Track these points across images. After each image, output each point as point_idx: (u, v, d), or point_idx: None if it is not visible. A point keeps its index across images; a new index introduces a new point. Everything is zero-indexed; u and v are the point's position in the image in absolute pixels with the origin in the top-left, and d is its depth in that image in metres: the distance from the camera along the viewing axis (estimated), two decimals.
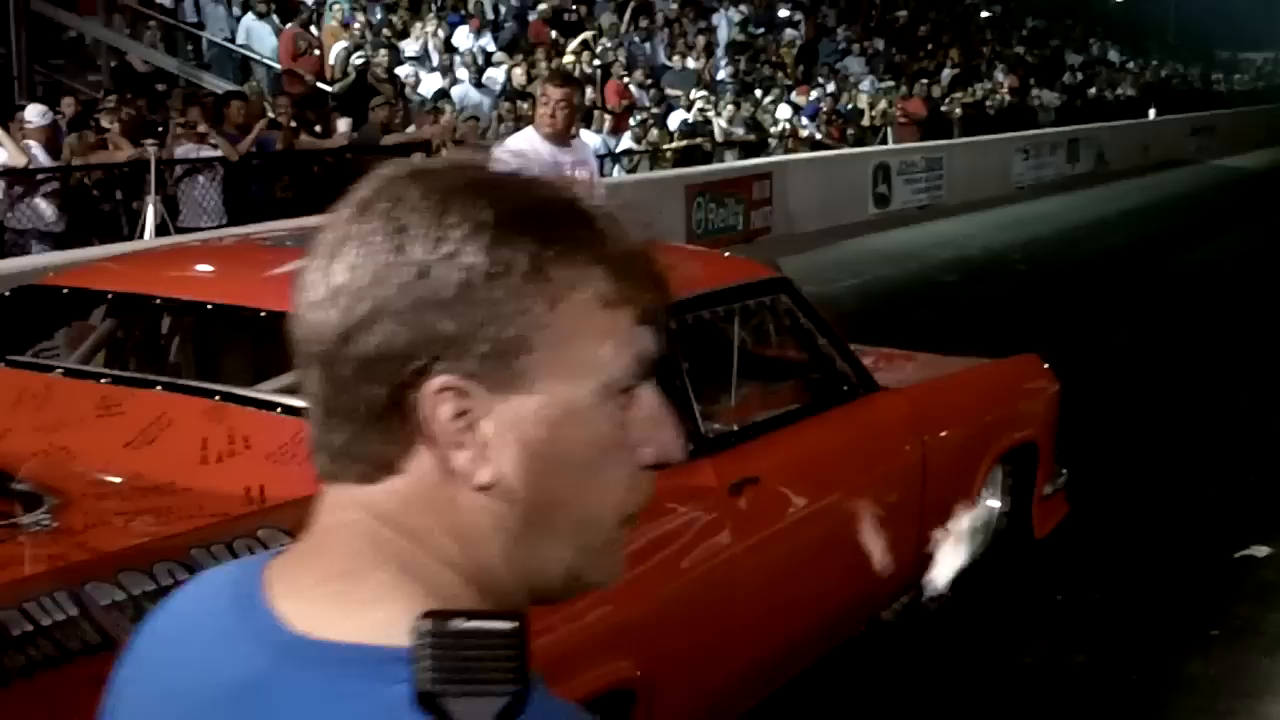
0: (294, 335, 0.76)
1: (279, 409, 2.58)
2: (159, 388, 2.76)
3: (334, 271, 0.73)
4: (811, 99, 17.84)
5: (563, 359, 0.74)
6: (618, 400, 0.76)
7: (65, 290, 3.28)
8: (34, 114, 8.85)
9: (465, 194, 0.74)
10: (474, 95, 13.26)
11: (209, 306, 3.05)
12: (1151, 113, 28.01)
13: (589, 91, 12.88)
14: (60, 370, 2.93)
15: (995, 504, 4.35)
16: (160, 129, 9.68)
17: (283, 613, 0.73)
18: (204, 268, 3.46)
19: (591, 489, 0.76)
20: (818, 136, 16.64)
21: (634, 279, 0.76)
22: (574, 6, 17.02)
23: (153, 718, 0.77)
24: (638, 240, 0.78)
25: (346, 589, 0.73)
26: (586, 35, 15.61)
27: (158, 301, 3.17)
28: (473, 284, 0.71)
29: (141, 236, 8.40)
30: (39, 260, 7.04)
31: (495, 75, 14.09)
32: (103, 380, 2.83)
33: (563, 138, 5.28)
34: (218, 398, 2.63)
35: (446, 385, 0.71)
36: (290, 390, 2.76)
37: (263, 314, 2.91)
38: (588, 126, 12.20)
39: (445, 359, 0.71)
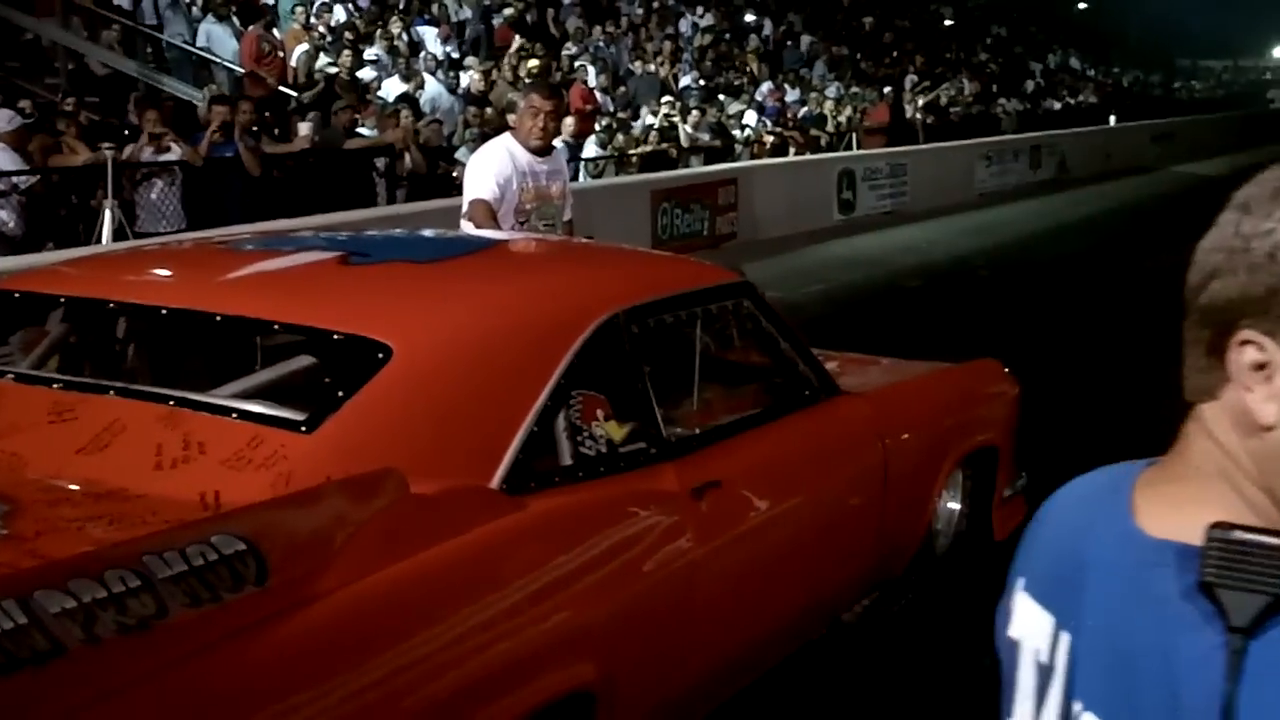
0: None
1: (234, 415, 2.54)
2: (112, 393, 2.71)
3: (1201, 243, 0.92)
4: (770, 103, 17.91)
5: None
6: None
7: (17, 294, 3.23)
8: (1, 118, 8.74)
9: None
10: (446, 99, 13.21)
11: (164, 311, 3.01)
12: (1112, 119, 28.30)
13: None
14: (11, 375, 2.89)
15: (956, 506, 4.38)
16: (126, 133, 9.56)
17: (1134, 501, 0.94)
18: (160, 271, 3.41)
19: None
20: (783, 134, 16.68)
21: None
22: (536, 6, 16.97)
23: (1032, 557, 1.04)
24: None
25: (1177, 488, 0.92)
26: (523, 43, 15.37)
27: (112, 305, 3.13)
28: (1276, 257, 0.85)
29: (99, 242, 8.30)
30: None
31: (462, 79, 14.05)
32: (55, 385, 2.78)
33: (546, 149, 5.23)
34: (172, 403, 2.59)
35: (1248, 338, 0.87)
36: (245, 396, 2.73)
37: (218, 318, 2.88)
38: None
39: (1250, 315, 0.87)
